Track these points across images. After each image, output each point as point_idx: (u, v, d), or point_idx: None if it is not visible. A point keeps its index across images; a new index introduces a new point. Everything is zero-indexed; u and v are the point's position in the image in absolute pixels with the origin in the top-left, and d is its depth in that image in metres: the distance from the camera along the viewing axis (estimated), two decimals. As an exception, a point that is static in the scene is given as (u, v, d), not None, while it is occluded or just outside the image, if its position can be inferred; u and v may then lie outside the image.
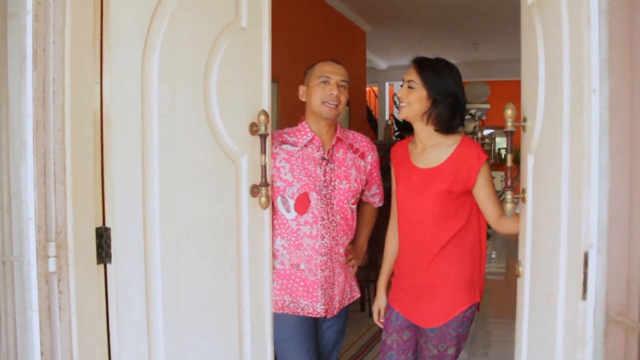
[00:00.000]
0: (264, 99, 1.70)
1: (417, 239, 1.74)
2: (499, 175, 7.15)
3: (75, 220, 1.31)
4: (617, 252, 0.97)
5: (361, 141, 1.97)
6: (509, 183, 1.40)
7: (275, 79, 3.80)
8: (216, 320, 1.61)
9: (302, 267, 1.81)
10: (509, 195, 1.39)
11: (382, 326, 1.90)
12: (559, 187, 1.12)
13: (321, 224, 1.80)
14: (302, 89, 1.90)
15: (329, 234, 1.82)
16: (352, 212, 1.89)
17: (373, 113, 10.62)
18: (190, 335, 1.56)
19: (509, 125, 1.35)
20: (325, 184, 1.82)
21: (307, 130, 1.85)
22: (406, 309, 1.79)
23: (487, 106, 8.00)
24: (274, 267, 1.80)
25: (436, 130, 1.72)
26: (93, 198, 1.37)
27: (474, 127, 7.26)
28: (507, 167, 1.41)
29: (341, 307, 1.92)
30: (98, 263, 1.38)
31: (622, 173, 0.96)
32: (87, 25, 1.35)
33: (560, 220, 1.13)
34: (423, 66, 1.71)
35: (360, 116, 7.10)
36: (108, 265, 1.40)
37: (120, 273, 1.41)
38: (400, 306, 1.81)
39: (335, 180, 1.84)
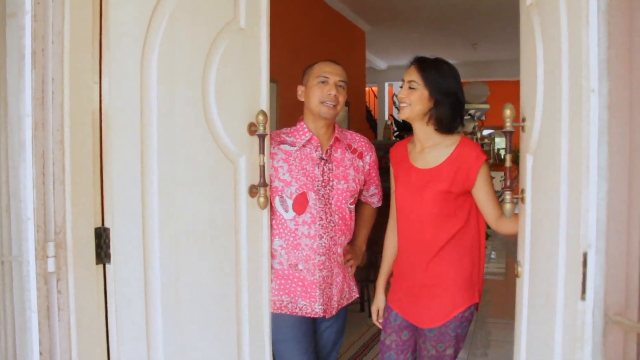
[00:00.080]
0: (262, 99, 1.70)
1: (416, 239, 1.74)
2: (498, 175, 7.15)
3: (74, 220, 1.31)
4: (615, 252, 0.97)
5: (359, 141, 1.97)
6: (508, 183, 1.40)
7: (274, 79, 3.80)
8: (215, 320, 1.61)
9: (300, 267, 1.81)
10: (508, 196, 1.39)
11: (381, 326, 1.90)
12: (558, 187, 1.12)
13: (319, 224, 1.80)
14: (300, 89, 1.90)
15: (327, 233, 1.82)
16: (351, 212, 1.89)
17: (372, 113, 10.62)
18: (189, 335, 1.56)
19: (508, 126, 1.35)
20: (323, 184, 1.82)
21: (305, 130, 1.85)
22: (405, 309, 1.79)
23: (487, 106, 8.00)
24: (272, 267, 1.80)
25: (436, 130, 1.72)
26: (92, 198, 1.37)
27: (474, 128, 7.26)
28: (506, 168, 1.41)
29: (340, 307, 1.92)
30: (97, 263, 1.38)
31: (620, 173, 0.96)
32: (86, 25, 1.34)
33: (559, 221, 1.13)
34: (424, 66, 1.71)
35: (360, 116, 7.10)
36: (107, 266, 1.40)
37: (120, 273, 1.41)
38: (399, 306, 1.81)
39: (333, 180, 1.84)
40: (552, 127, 1.18)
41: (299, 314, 1.82)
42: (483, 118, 8.27)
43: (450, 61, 1.77)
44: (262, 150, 1.63)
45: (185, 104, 1.53)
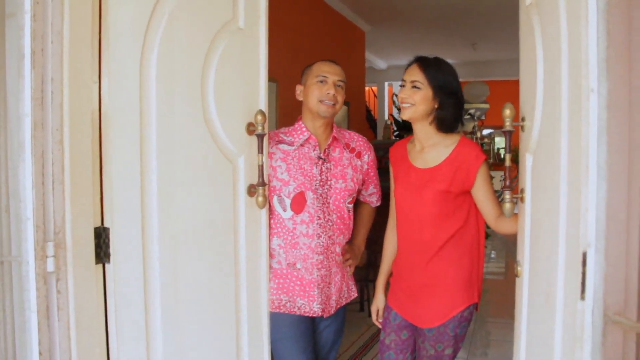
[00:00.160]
0: (261, 99, 1.70)
1: (416, 238, 1.74)
2: (498, 175, 7.15)
3: (74, 220, 1.31)
4: (615, 252, 0.97)
5: (357, 141, 1.97)
6: (507, 183, 1.40)
7: (274, 78, 3.81)
8: (214, 319, 1.61)
9: (298, 266, 1.82)
10: (507, 195, 1.39)
11: (380, 326, 1.90)
12: (558, 187, 1.12)
13: (317, 223, 1.81)
14: (299, 89, 1.90)
15: (325, 233, 1.82)
16: (349, 211, 1.89)
17: (372, 113, 10.62)
18: (189, 334, 1.56)
19: (508, 125, 1.35)
20: (321, 183, 1.83)
21: (304, 129, 1.85)
22: (404, 309, 1.79)
23: (486, 106, 8.00)
24: (270, 267, 1.81)
25: (438, 130, 1.72)
26: (91, 198, 1.37)
27: (473, 127, 7.26)
28: (506, 167, 1.41)
29: (338, 306, 1.92)
30: (96, 263, 1.38)
31: (620, 173, 0.96)
32: (86, 25, 1.34)
33: (558, 220, 1.13)
34: (427, 65, 1.70)
35: (360, 116, 7.09)
36: (107, 265, 1.40)
37: (119, 273, 1.41)
38: (399, 306, 1.81)
39: (331, 180, 1.85)
40: (551, 127, 1.18)
41: (298, 313, 1.83)
42: (483, 118, 8.26)
43: (450, 61, 1.76)
44: (260, 150, 1.63)
45: (185, 104, 1.53)
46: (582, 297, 1.00)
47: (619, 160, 0.96)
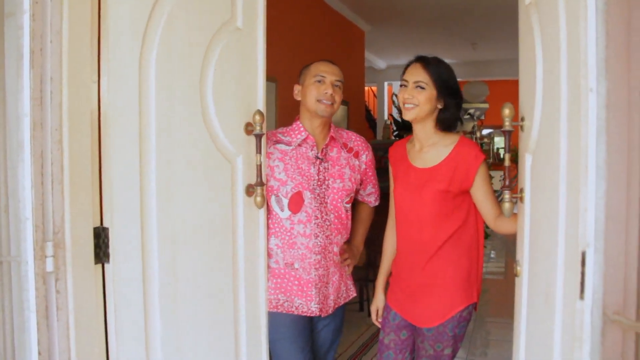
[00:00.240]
0: (259, 98, 1.70)
1: (415, 238, 1.74)
2: (497, 174, 7.15)
3: (73, 220, 1.31)
4: (614, 251, 0.97)
5: (355, 140, 1.97)
6: (507, 183, 1.40)
7: (274, 78, 3.81)
8: (212, 319, 1.62)
9: (296, 266, 1.82)
10: (507, 195, 1.39)
11: (380, 326, 1.90)
12: (557, 187, 1.12)
13: (315, 223, 1.81)
14: (297, 89, 1.91)
15: (322, 232, 1.82)
16: (347, 211, 1.90)
17: (372, 113, 10.62)
18: (187, 334, 1.56)
19: (507, 125, 1.35)
20: (318, 183, 1.83)
21: (301, 129, 1.86)
22: (403, 309, 1.79)
23: (486, 106, 8.00)
24: (268, 266, 1.81)
25: (441, 129, 1.72)
26: (91, 198, 1.37)
27: (473, 127, 7.26)
28: (506, 167, 1.41)
29: (336, 306, 1.92)
30: (96, 263, 1.38)
31: (619, 172, 0.96)
32: (85, 24, 1.34)
33: (557, 220, 1.13)
34: (430, 66, 1.69)
35: (359, 116, 7.09)
36: (106, 265, 1.40)
37: (118, 273, 1.41)
38: (398, 306, 1.81)
39: (329, 180, 1.85)
40: (550, 127, 1.18)
41: (295, 312, 1.83)
42: (482, 117, 8.26)
43: (450, 60, 1.77)
44: (259, 150, 1.63)
45: (184, 104, 1.53)
46: (581, 297, 1.00)
47: (618, 160, 0.96)
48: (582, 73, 0.99)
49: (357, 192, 1.99)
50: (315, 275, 1.82)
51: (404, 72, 1.75)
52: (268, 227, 1.80)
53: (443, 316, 1.69)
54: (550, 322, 1.16)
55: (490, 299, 4.54)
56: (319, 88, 1.82)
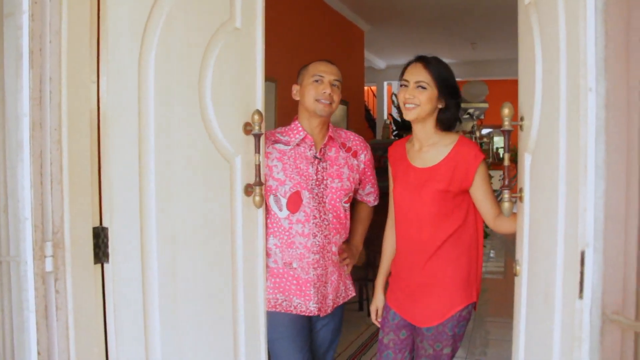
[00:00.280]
0: (258, 98, 1.70)
1: (414, 238, 1.74)
2: (497, 174, 7.15)
3: (72, 220, 1.31)
4: (613, 251, 0.97)
5: (354, 140, 1.97)
6: (506, 182, 1.40)
7: (273, 78, 3.81)
8: (212, 318, 1.62)
9: (294, 265, 1.82)
10: (506, 195, 1.39)
11: (379, 325, 1.90)
12: (556, 186, 1.13)
13: (313, 223, 1.81)
14: (295, 88, 1.91)
15: (320, 232, 1.82)
16: (345, 210, 1.90)
17: (371, 112, 10.62)
18: (187, 333, 1.56)
19: (507, 125, 1.35)
20: (317, 183, 1.83)
21: (300, 129, 1.86)
22: (403, 308, 1.79)
23: (486, 105, 8.00)
24: (267, 266, 1.81)
25: (441, 129, 1.72)
26: (90, 197, 1.37)
27: (472, 127, 7.26)
28: (505, 167, 1.41)
29: (335, 305, 1.92)
30: (95, 263, 1.38)
31: (618, 172, 0.96)
32: (84, 24, 1.34)
33: (557, 220, 1.13)
34: (431, 65, 1.69)
35: (359, 116, 7.09)
36: (105, 265, 1.40)
37: (118, 273, 1.41)
38: (397, 305, 1.81)
39: (327, 179, 1.85)
40: (550, 126, 1.18)
41: (294, 312, 1.83)
42: (482, 117, 8.27)
43: (450, 60, 1.77)
44: (257, 150, 1.63)
45: (183, 104, 1.53)
46: (581, 296, 1.00)
47: (617, 159, 0.96)
48: (581, 73, 0.99)
49: (356, 191, 1.99)
50: (313, 274, 1.83)
51: (403, 72, 1.74)
52: (266, 227, 1.81)
53: (442, 316, 1.69)
54: (549, 322, 1.17)
55: (489, 298, 4.54)
56: (317, 88, 1.82)
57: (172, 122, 1.50)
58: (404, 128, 6.71)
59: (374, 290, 1.97)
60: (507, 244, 6.97)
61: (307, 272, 1.82)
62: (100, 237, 1.38)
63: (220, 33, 1.60)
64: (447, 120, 1.72)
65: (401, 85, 1.74)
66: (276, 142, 1.86)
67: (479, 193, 1.68)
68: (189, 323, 1.56)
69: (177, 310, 1.53)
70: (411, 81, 1.69)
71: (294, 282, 1.83)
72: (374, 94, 11.11)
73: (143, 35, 1.43)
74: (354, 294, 2.02)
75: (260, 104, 1.70)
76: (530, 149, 1.35)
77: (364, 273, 4.05)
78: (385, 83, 10.63)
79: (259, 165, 1.63)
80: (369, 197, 2.05)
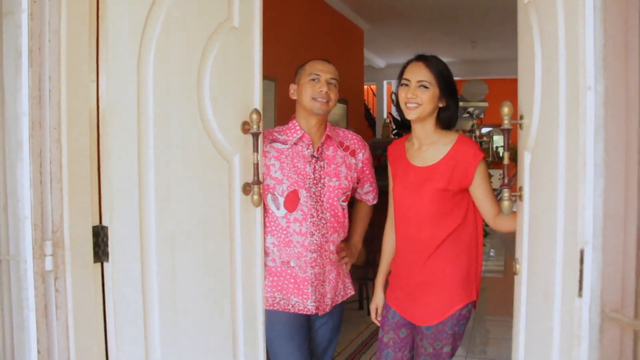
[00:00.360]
0: (256, 97, 1.70)
1: (414, 237, 1.74)
2: (497, 173, 7.16)
3: (72, 219, 1.31)
4: (612, 249, 0.97)
5: (352, 139, 1.97)
6: (506, 181, 1.40)
7: (272, 77, 3.80)
8: (210, 317, 1.62)
9: (292, 264, 1.82)
10: (506, 193, 1.39)
11: (379, 324, 1.90)
12: (555, 185, 1.13)
13: (310, 221, 1.81)
14: (292, 88, 1.91)
15: (318, 231, 1.82)
16: (343, 209, 1.90)
17: (371, 111, 10.62)
18: (186, 332, 1.56)
19: (506, 123, 1.36)
20: (314, 182, 1.83)
21: (297, 128, 1.86)
22: (402, 307, 1.79)
23: (485, 104, 8.01)
24: (265, 265, 1.81)
25: (442, 128, 1.72)
26: (89, 196, 1.37)
27: (472, 125, 7.26)
28: (505, 165, 1.41)
29: (333, 304, 1.92)
30: (95, 261, 1.38)
31: (617, 170, 0.96)
32: (83, 24, 1.34)
33: (556, 218, 1.13)
34: (432, 65, 1.68)
35: (358, 115, 7.10)
36: (105, 264, 1.40)
37: (117, 271, 1.41)
38: (397, 304, 1.81)
39: (324, 178, 1.85)
40: (549, 125, 1.19)
41: (292, 310, 1.83)
42: (482, 116, 8.27)
43: (449, 59, 1.78)
44: (256, 149, 1.63)
45: (181, 103, 1.53)
46: (580, 295, 1.00)
47: (616, 157, 0.96)
48: (580, 71, 0.99)
49: (354, 190, 1.99)
50: (311, 273, 1.83)
51: (402, 71, 1.74)
52: (264, 226, 1.81)
53: (442, 314, 1.69)
54: (549, 320, 1.17)
55: (489, 297, 4.54)
56: (314, 86, 1.82)
57: (171, 120, 1.50)
58: (404, 127, 6.67)
59: (374, 289, 1.97)
60: (507, 243, 6.97)
61: (305, 271, 1.82)
62: (99, 236, 1.39)
63: (218, 32, 1.60)
64: (447, 119, 1.73)
65: (401, 85, 1.72)
66: (274, 141, 1.86)
67: (479, 192, 1.68)
68: (188, 321, 1.56)
69: (176, 308, 1.53)
70: (413, 80, 1.68)
71: (292, 280, 1.83)
72: (373, 93, 11.11)
73: (142, 34, 1.43)
74: (353, 293, 2.02)
75: (258, 103, 1.70)
76: (529, 148, 1.35)
77: (363, 272, 4.06)
78: (384, 82, 10.63)
79: (257, 164, 1.64)
80: (368, 196, 2.05)
